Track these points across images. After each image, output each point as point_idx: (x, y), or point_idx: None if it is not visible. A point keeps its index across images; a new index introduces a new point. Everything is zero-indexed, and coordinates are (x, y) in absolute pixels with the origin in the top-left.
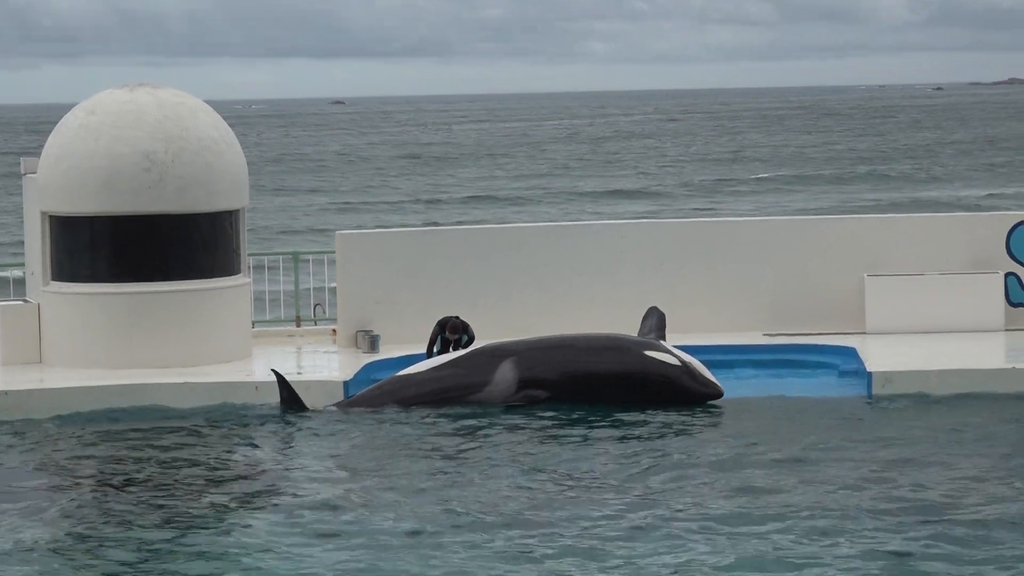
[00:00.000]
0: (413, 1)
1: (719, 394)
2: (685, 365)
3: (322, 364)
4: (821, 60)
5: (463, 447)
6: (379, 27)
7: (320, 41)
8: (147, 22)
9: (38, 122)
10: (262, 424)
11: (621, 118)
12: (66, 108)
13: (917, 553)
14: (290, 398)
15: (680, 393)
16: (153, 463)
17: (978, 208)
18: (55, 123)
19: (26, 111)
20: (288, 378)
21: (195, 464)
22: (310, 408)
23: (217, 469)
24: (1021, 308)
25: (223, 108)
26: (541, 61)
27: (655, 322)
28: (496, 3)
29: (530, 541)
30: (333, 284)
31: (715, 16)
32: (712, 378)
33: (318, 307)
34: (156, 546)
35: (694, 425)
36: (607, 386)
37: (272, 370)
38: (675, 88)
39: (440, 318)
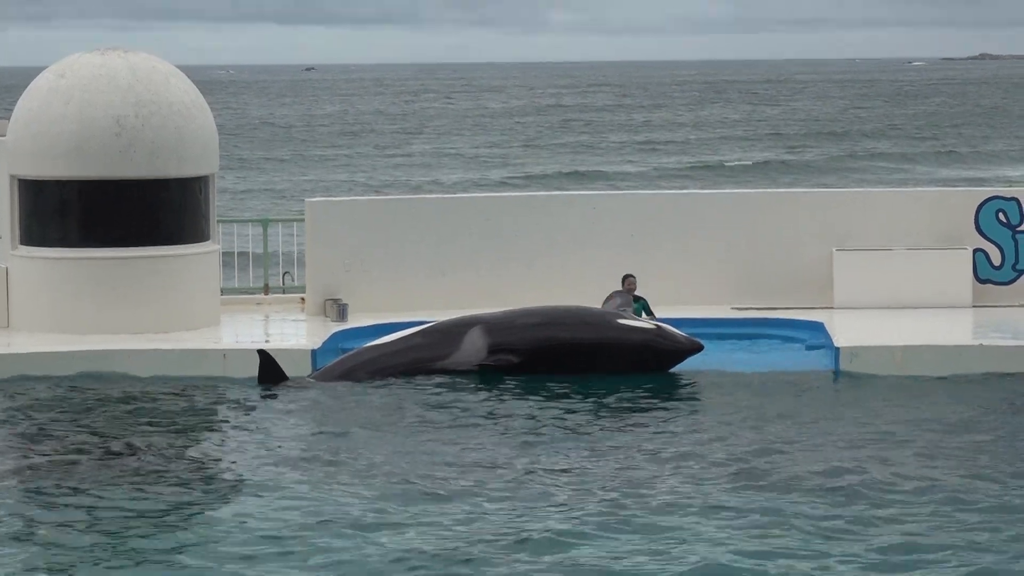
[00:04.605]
0: None
1: (699, 348)
2: (659, 327)
3: (290, 332)
4: (790, 33)
5: (435, 417)
6: None
7: (287, 7)
8: None
9: (6, 85)
10: (230, 392)
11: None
12: (34, 71)
13: (874, 527)
14: (274, 375)
15: (660, 355)
16: (118, 429)
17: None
18: (24, 86)
19: None
20: (255, 346)
21: (160, 431)
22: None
23: (183, 437)
24: (989, 284)
25: (201, 73)
26: (511, 32)
27: (620, 303)
28: None
29: (510, 512)
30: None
31: None
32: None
33: (286, 275)
34: (115, 514)
35: (658, 398)
36: (581, 355)
37: (258, 351)
38: (645, 60)
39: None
